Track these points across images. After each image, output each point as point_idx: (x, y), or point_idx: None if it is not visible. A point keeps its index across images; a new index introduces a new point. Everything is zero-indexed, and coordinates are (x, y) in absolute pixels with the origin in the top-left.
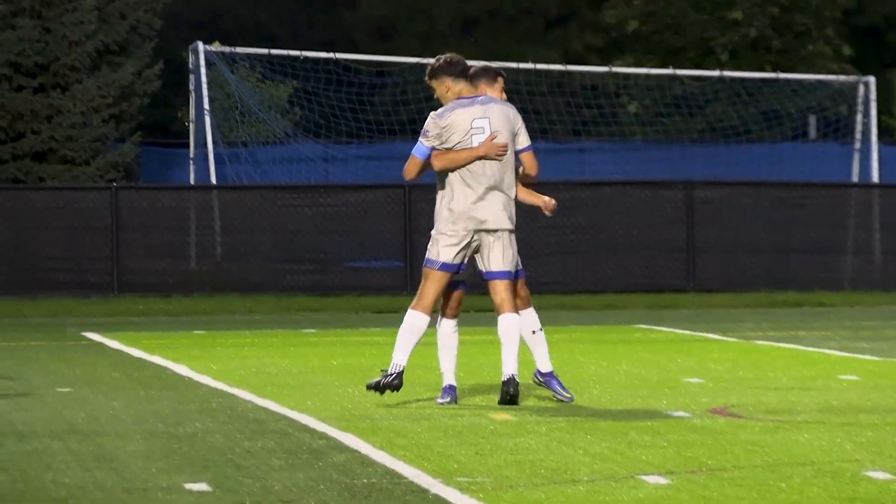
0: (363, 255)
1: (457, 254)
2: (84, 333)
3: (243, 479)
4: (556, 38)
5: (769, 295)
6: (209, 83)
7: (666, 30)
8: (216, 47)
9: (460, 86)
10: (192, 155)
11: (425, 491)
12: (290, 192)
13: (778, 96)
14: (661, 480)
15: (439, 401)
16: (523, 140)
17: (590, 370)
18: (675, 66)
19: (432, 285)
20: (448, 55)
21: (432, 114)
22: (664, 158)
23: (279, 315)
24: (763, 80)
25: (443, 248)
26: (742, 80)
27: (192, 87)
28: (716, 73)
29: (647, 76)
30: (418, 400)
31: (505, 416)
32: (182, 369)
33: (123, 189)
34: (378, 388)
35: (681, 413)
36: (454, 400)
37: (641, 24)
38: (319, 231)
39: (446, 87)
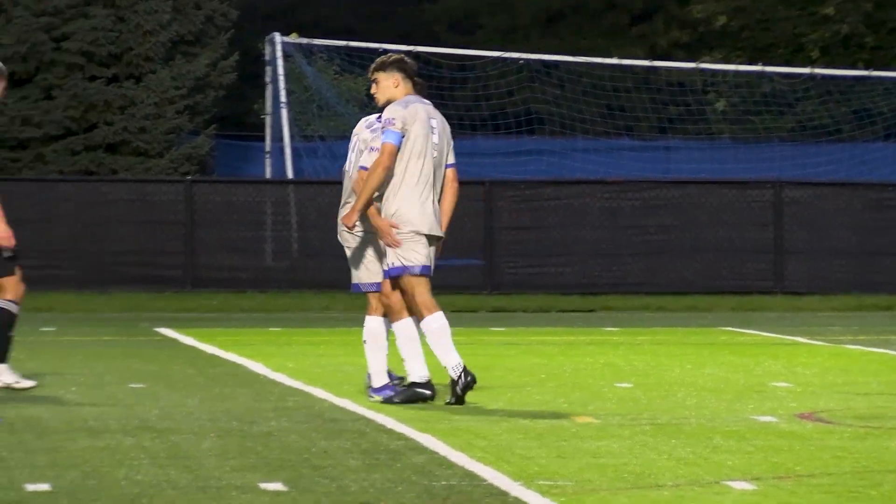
0: (441, 252)
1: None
2: (157, 329)
3: (319, 480)
4: (641, 34)
5: (859, 298)
6: (286, 75)
7: (755, 25)
8: (293, 39)
9: (409, 86)
10: (267, 149)
11: (505, 494)
12: None
13: (870, 95)
14: (748, 486)
15: (375, 396)
16: (452, 156)
17: (674, 373)
18: (765, 63)
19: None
20: (401, 55)
21: (392, 105)
22: (752, 157)
23: (355, 312)
24: (855, 78)
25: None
26: (833, 77)
27: (268, 79)
28: (806, 70)
29: (736, 73)
30: (498, 401)
31: (587, 418)
32: (257, 367)
33: (198, 182)
34: (460, 398)
35: (768, 418)
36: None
37: (730, 19)
38: None
39: (395, 81)
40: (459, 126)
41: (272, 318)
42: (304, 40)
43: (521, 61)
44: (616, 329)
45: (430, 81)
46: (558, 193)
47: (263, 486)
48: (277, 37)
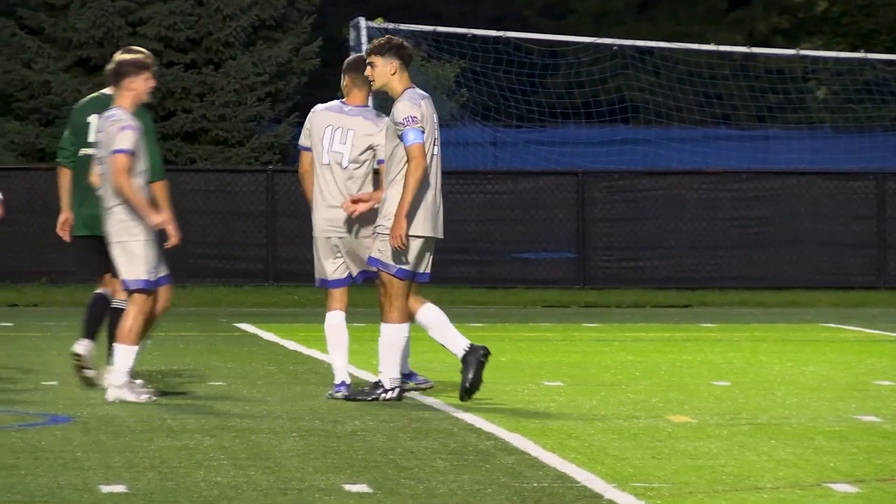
0: (533, 245)
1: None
2: (237, 324)
3: (406, 481)
4: (738, 19)
5: None
6: None
7: (857, 11)
8: (379, 24)
9: (405, 75)
10: None
11: (598, 496)
12: (455, 179)
13: None
14: (850, 489)
15: (335, 394)
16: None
17: (774, 371)
18: (867, 50)
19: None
20: (400, 40)
21: (406, 100)
22: (854, 148)
23: (443, 308)
24: None
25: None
26: None
27: None
28: None
29: (837, 60)
30: (591, 400)
31: (684, 418)
32: None
33: (280, 172)
34: (372, 398)
35: (871, 418)
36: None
37: (831, 4)
38: (486, 220)
39: (393, 68)
40: (550, 114)
41: (353, 313)
42: (391, 25)
43: (614, 47)
44: (713, 325)
45: (521, 68)
46: (654, 184)
47: (347, 487)
48: (362, 21)
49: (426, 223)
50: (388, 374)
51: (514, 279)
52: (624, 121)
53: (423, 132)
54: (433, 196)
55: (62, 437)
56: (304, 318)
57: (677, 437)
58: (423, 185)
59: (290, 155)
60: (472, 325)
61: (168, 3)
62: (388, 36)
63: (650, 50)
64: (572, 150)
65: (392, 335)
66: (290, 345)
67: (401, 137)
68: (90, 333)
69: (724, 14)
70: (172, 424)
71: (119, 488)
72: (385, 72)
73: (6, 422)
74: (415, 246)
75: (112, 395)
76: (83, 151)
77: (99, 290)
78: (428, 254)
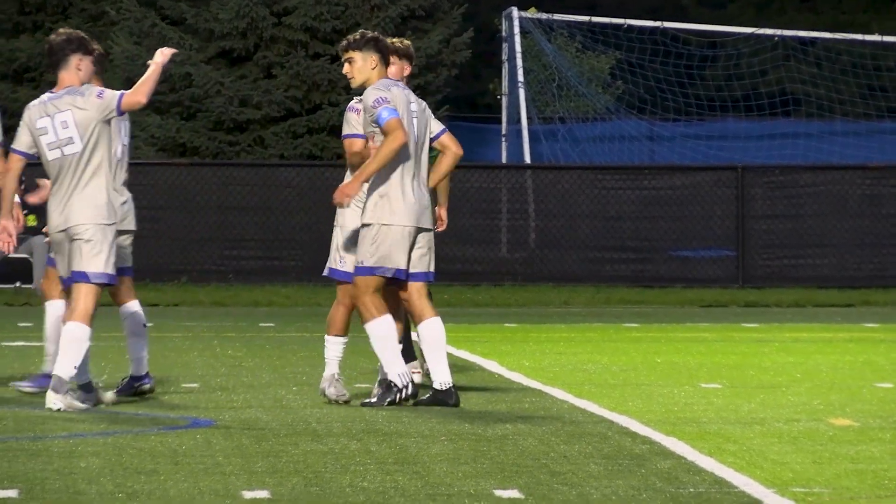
0: (690, 243)
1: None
2: None
3: (558, 486)
4: None
5: None
6: (524, 53)
7: None
8: (532, 14)
9: (383, 69)
10: (504, 131)
11: (758, 502)
12: (610, 174)
13: None
14: None
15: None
16: (438, 124)
17: None
18: None
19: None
20: (375, 33)
21: (372, 88)
22: None
23: (597, 308)
24: None
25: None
26: None
27: (505, 57)
28: None
29: None
30: (750, 402)
31: (846, 421)
32: (492, 365)
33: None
34: (390, 401)
35: None
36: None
37: None
38: (642, 216)
39: (373, 62)
40: (709, 107)
41: (507, 312)
42: (544, 15)
43: (775, 38)
44: (877, 325)
45: (679, 60)
46: (816, 179)
47: (498, 493)
48: (515, 11)
49: (403, 213)
50: (395, 371)
51: (670, 277)
52: (785, 114)
53: (395, 111)
54: (413, 186)
55: (203, 442)
56: (455, 319)
57: (838, 440)
58: (399, 172)
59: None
60: (627, 325)
61: None
62: (361, 30)
63: (812, 40)
64: (731, 145)
65: (373, 334)
66: None
67: (376, 122)
68: None
69: (890, 2)
70: (317, 428)
71: (262, 494)
72: (365, 67)
73: (146, 425)
74: (384, 236)
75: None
76: None
77: None
78: (414, 248)
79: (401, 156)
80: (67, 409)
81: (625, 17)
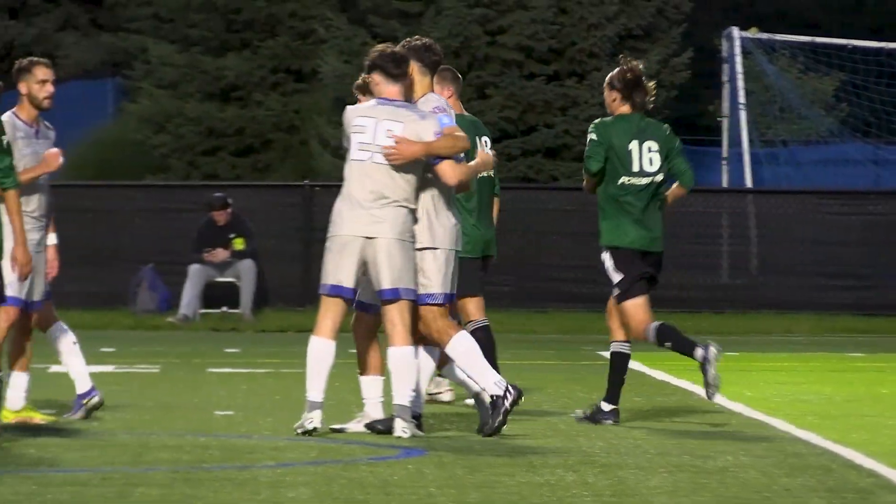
0: None
1: None
2: (601, 353)
3: None
4: None
5: None
6: (744, 74)
7: None
8: (753, 34)
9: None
10: (724, 154)
11: None
12: (834, 199)
13: None
14: None
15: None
16: None
17: None
18: None
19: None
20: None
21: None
22: None
23: (820, 336)
24: None
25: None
26: None
27: (725, 78)
28: None
29: None
30: None
31: None
32: None
33: None
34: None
35: None
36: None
37: None
38: (867, 243)
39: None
40: None
41: (728, 340)
42: (765, 35)
43: None
44: None
45: None
46: None
47: None
48: (735, 31)
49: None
50: (489, 381)
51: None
52: None
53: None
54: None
55: (415, 472)
56: None
57: None
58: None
59: None
60: (850, 355)
61: (530, 10)
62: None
63: None
64: None
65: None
66: (658, 374)
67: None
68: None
69: None
70: (533, 459)
71: None
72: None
73: (356, 455)
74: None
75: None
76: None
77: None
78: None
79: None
80: (412, 435)
81: (848, 38)
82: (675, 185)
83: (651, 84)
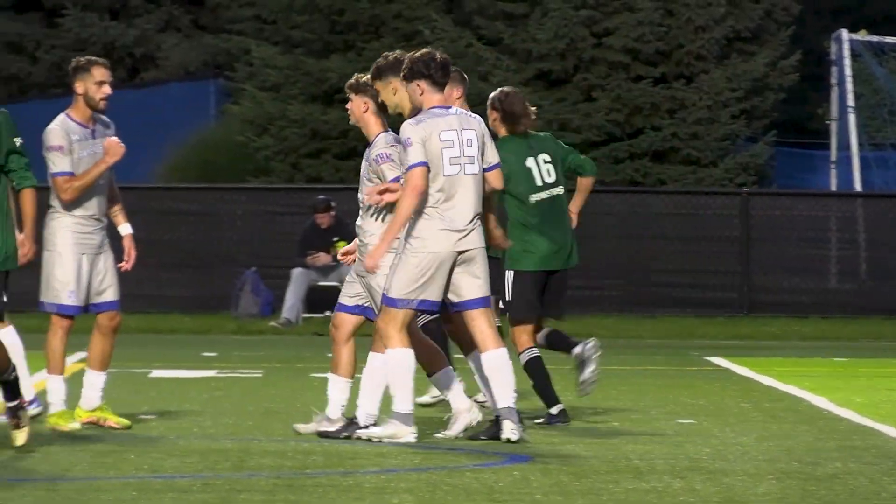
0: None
1: None
2: (708, 358)
3: None
4: None
5: None
6: (854, 77)
7: None
8: (862, 36)
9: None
10: (833, 158)
11: None
12: None
13: None
14: None
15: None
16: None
17: None
18: None
19: None
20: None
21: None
22: None
23: None
24: None
25: None
26: None
27: (834, 80)
28: None
29: None
30: None
31: None
32: (820, 401)
33: (756, 195)
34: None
35: None
36: None
37: None
38: None
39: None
40: None
41: (837, 346)
42: (875, 38)
43: None
44: None
45: None
46: None
47: None
48: (844, 34)
49: None
50: (370, 406)
51: None
52: None
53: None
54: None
55: (520, 479)
56: (782, 352)
57: None
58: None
59: (766, 176)
60: None
61: (636, 12)
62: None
63: None
64: None
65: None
66: (766, 380)
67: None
68: None
69: None
70: (640, 465)
71: None
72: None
73: (461, 461)
74: None
75: None
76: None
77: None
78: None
79: None
80: (520, 439)
81: None
82: (579, 179)
83: (533, 108)
